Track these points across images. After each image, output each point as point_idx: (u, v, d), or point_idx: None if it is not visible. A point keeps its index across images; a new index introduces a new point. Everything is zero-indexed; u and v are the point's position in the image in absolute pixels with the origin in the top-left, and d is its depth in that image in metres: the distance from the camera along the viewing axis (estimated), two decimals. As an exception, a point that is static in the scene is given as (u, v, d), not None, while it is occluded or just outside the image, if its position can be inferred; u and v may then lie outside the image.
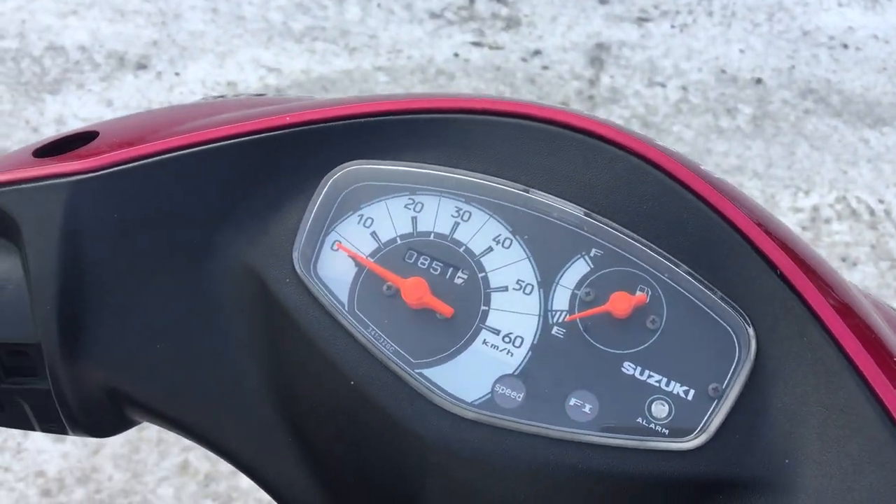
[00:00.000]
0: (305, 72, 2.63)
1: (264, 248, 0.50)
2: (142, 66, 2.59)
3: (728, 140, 2.62)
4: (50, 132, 2.38)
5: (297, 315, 0.49)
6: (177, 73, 2.57)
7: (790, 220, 2.50)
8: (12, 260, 0.51)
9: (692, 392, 0.46)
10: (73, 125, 2.45)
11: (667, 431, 0.45)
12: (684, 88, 2.74)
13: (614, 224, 0.49)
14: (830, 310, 0.43)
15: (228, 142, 0.51)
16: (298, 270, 0.49)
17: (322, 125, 0.52)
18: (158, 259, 0.50)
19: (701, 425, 0.45)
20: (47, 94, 2.49)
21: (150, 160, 0.50)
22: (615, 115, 2.66)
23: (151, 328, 0.50)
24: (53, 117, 2.44)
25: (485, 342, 0.48)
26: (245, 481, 1.66)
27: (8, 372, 0.52)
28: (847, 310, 0.44)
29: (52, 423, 0.53)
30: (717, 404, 0.45)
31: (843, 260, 2.37)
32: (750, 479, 0.42)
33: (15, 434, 1.75)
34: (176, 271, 0.50)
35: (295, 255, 0.50)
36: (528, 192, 0.51)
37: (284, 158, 0.51)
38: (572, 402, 0.46)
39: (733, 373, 0.45)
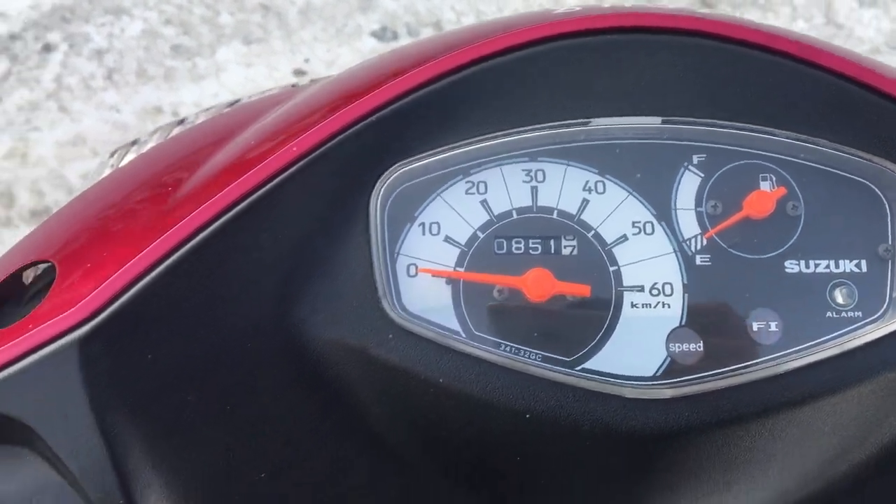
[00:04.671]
0: (34, 7, 2.26)
1: (344, 312, 0.40)
2: None
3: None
4: None
5: (423, 370, 0.40)
6: None
7: None
8: (32, 466, 0.38)
9: (864, 262, 0.42)
10: None
11: (860, 314, 0.42)
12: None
13: (700, 119, 0.43)
14: None
15: (240, 206, 0.39)
16: (398, 319, 0.40)
17: (340, 139, 0.41)
18: (223, 384, 0.39)
19: (888, 291, 0.42)
20: None
21: (160, 269, 0.38)
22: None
23: (245, 463, 0.40)
24: None
25: (633, 305, 0.42)
26: None
27: None
28: None
29: None
30: (892, 264, 0.42)
31: None
32: None
33: None
34: (250, 383, 0.40)
35: (384, 303, 0.40)
36: (588, 124, 0.43)
37: (314, 198, 0.41)
38: (755, 326, 0.42)
39: (894, 226, 0.42)
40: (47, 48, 2.22)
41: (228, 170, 0.41)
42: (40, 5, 2.28)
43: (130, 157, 0.47)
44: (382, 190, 0.41)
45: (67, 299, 0.37)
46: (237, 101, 0.51)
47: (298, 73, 2.25)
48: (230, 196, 0.39)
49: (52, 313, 0.37)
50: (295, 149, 0.40)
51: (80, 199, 0.45)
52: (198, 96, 2.17)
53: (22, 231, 1.92)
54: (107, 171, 0.47)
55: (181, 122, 0.49)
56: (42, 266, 0.42)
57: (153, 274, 0.38)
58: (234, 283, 0.39)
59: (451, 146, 0.42)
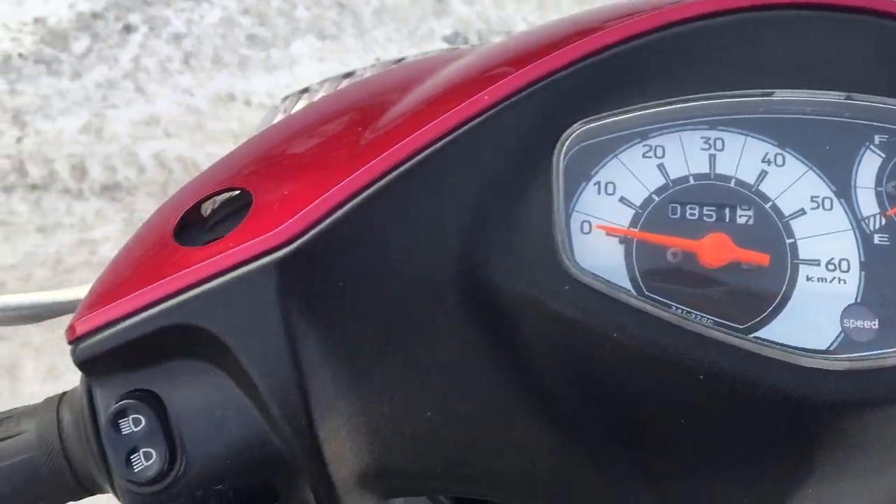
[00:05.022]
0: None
1: (522, 263, 0.40)
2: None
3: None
4: None
5: (597, 324, 0.40)
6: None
7: None
8: (215, 380, 0.39)
9: None
10: None
11: None
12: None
13: (885, 99, 0.43)
14: None
15: (433, 147, 0.40)
16: (574, 272, 0.40)
17: (530, 91, 0.41)
18: (403, 319, 0.40)
19: None
20: None
21: (355, 202, 0.38)
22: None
23: (417, 398, 0.41)
24: None
25: (808, 279, 0.42)
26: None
27: None
28: None
29: None
30: None
31: None
32: None
33: None
34: (427, 322, 0.40)
35: (562, 256, 0.41)
36: (772, 95, 0.43)
37: (499, 148, 0.41)
38: (931, 309, 0.41)
39: None
40: (128, 29, 2.27)
41: (420, 114, 0.42)
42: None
43: (301, 104, 0.48)
44: (564, 147, 0.42)
45: (265, 224, 0.38)
46: (402, 59, 0.52)
47: (369, 71, 2.28)
48: (423, 138, 0.40)
49: (251, 235, 0.38)
50: (486, 98, 0.41)
51: (265, 137, 0.46)
52: (271, 86, 2.21)
53: (92, 203, 1.96)
54: (279, 116, 0.48)
55: (349, 74, 0.50)
56: (220, 199, 0.43)
57: (349, 206, 0.38)
58: (420, 225, 0.40)
59: (632, 108, 0.43)
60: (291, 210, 0.38)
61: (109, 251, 1.90)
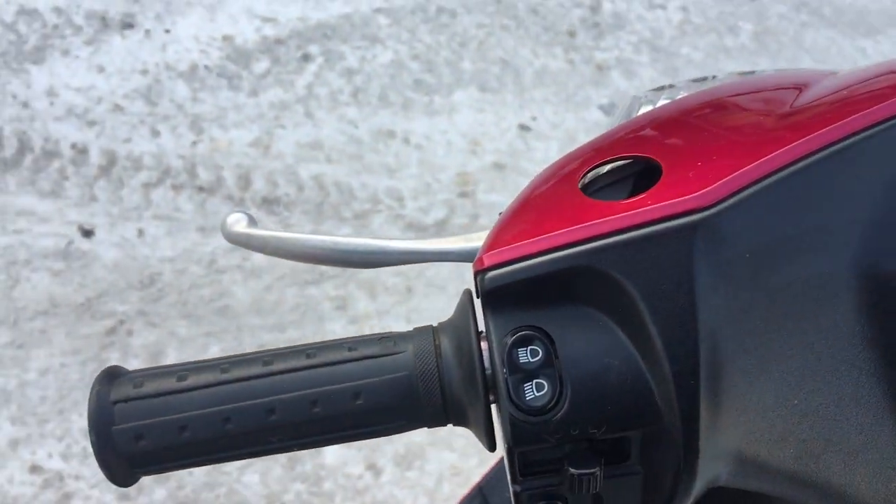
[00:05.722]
0: (302, 19, 2.47)
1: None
2: (127, 24, 2.36)
3: (735, 59, 2.60)
4: (41, 106, 2.12)
5: None
6: (167, 30, 2.36)
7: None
8: (605, 329, 0.40)
9: None
10: (66, 96, 2.14)
11: None
12: (685, 9, 2.70)
13: None
14: None
15: (842, 143, 0.41)
16: None
17: None
18: (794, 300, 0.41)
19: None
20: (30, 65, 2.25)
21: (769, 180, 0.40)
22: (623, 41, 2.60)
23: (788, 382, 0.41)
24: (43, 89, 2.20)
25: None
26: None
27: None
28: None
29: None
30: None
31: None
32: None
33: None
34: (815, 307, 0.41)
35: None
36: None
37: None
38: None
39: None
40: (305, 58, 2.39)
41: (823, 114, 0.44)
42: (307, 19, 2.47)
43: (663, 101, 0.51)
44: None
45: (679, 188, 0.40)
46: (752, 72, 0.54)
47: (523, 128, 2.33)
48: (832, 135, 0.41)
49: (666, 197, 0.40)
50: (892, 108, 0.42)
51: (653, 118, 0.49)
52: (429, 129, 2.28)
53: (252, 213, 2.04)
54: (644, 108, 0.51)
55: (700, 79, 0.52)
56: (590, 174, 0.45)
57: (765, 182, 0.40)
58: (825, 212, 0.41)
59: None
60: (707, 180, 0.40)
61: (260, 259, 1.97)
